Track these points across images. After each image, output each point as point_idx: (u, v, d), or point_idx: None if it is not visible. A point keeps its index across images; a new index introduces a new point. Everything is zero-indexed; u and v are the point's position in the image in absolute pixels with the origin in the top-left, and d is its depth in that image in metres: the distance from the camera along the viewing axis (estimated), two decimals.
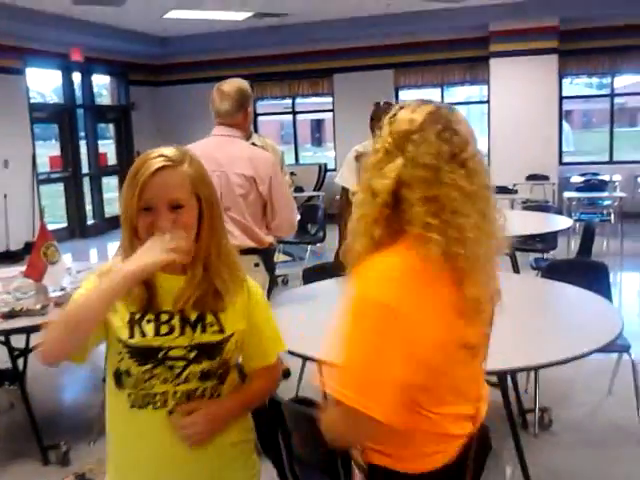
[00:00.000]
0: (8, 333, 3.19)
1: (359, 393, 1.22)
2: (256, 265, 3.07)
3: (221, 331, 1.50)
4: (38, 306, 3.15)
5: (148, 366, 1.46)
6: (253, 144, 3.67)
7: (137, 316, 1.46)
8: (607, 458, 3.15)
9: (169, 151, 1.51)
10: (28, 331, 3.40)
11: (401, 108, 1.38)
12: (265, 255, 3.14)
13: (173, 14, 9.37)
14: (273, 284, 4.03)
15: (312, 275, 3.61)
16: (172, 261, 1.39)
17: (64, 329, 1.37)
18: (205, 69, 11.92)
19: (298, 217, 3.46)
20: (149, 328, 1.46)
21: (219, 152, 3.04)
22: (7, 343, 3.37)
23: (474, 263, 1.29)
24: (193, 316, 1.49)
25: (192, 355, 1.47)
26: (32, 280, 3.32)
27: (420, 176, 1.29)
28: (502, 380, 2.76)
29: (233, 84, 3.16)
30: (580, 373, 3.90)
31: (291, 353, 2.45)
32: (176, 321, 1.48)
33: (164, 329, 1.47)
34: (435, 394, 1.33)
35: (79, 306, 1.39)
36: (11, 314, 3.09)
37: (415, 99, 1.40)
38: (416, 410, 1.32)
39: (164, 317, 1.48)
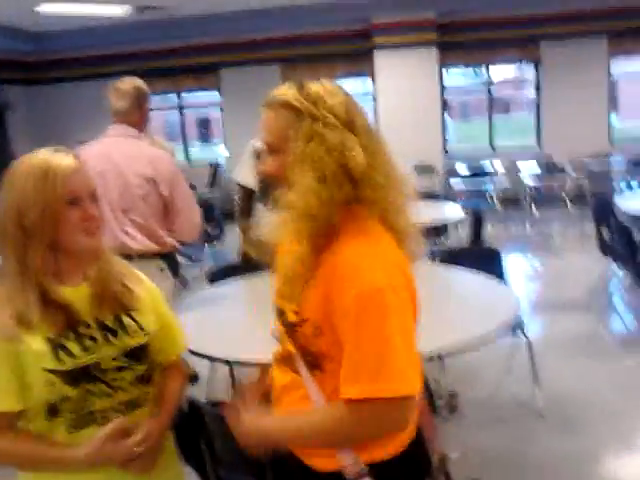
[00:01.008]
0: None
1: (402, 380, 1.24)
2: (162, 270, 2.97)
3: (142, 330, 1.48)
4: None
5: (85, 385, 1.39)
6: None
7: (58, 339, 1.38)
8: (513, 432, 3.33)
9: (63, 150, 1.48)
10: None
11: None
12: (169, 259, 3.04)
13: (45, 7, 8.86)
14: (182, 286, 3.93)
15: (218, 276, 3.54)
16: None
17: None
18: (86, 66, 11.41)
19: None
20: (74, 347, 1.38)
21: (116, 152, 2.92)
22: None
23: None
24: (109, 321, 1.44)
25: (122, 362, 1.44)
26: None
27: (369, 146, 1.43)
28: None
29: (129, 82, 3.04)
30: (480, 356, 4.06)
31: (205, 357, 2.39)
32: (95, 330, 1.42)
33: (87, 342, 1.40)
34: None
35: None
36: None
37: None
38: None
39: (83, 330, 1.41)
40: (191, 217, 2.98)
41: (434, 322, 2.57)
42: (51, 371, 1.35)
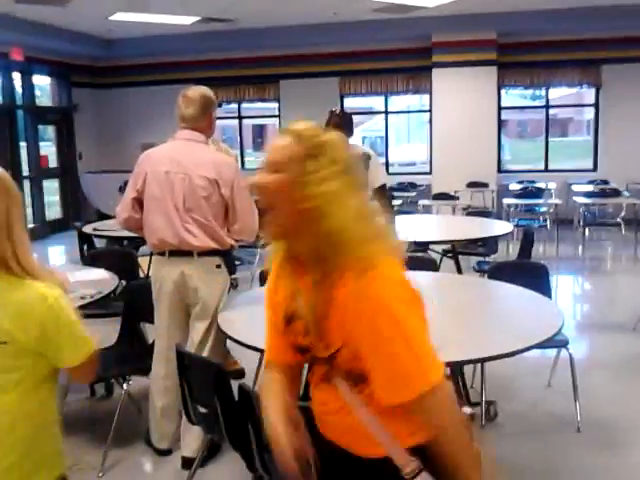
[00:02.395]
0: None
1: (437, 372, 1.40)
2: (218, 267, 3.15)
3: None
4: None
5: None
6: None
7: None
8: (549, 446, 3.36)
9: None
10: None
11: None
12: (227, 257, 3.22)
13: (119, 16, 9.30)
14: (233, 286, 4.09)
15: None
16: None
17: None
18: (150, 72, 11.87)
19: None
20: None
21: (183, 155, 3.11)
22: None
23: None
24: None
25: None
26: None
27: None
28: (454, 373, 2.92)
29: (198, 90, 3.23)
30: (521, 369, 4.13)
31: (254, 348, 2.53)
32: None
33: None
34: None
35: None
36: None
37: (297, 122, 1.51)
38: None
39: None
40: (249, 219, 3.14)
41: (476, 332, 2.68)
42: None
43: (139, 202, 3.20)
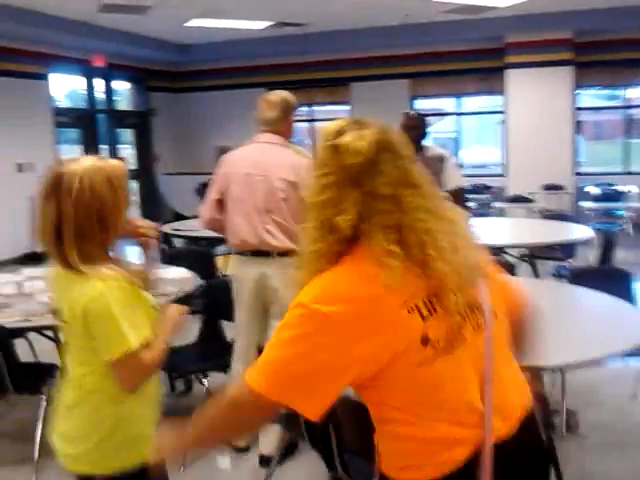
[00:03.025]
0: None
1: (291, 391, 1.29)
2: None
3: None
4: None
5: None
6: None
7: None
8: (632, 458, 3.25)
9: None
10: None
11: (339, 134, 1.34)
12: None
13: (195, 22, 9.54)
14: None
15: None
16: None
17: None
18: (224, 77, 12.11)
19: None
20: None
21: (263, 158, 3.18)
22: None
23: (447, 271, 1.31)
24: None
25: None
26: None
27: (381, 208, 1.30)
28: (535, 378, 2.86)
29: (279, 94, 3.30)
30: (605, 377, 4.00)
31: None
32: None
33: None
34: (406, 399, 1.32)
35: None
36: None
37: (345, 118, 1.41)
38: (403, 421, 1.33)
39: None
40: None
41: (557, 339, 2.61)
42: None
43: (221, 203, 3.29)
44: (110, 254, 1.83)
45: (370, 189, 1.30)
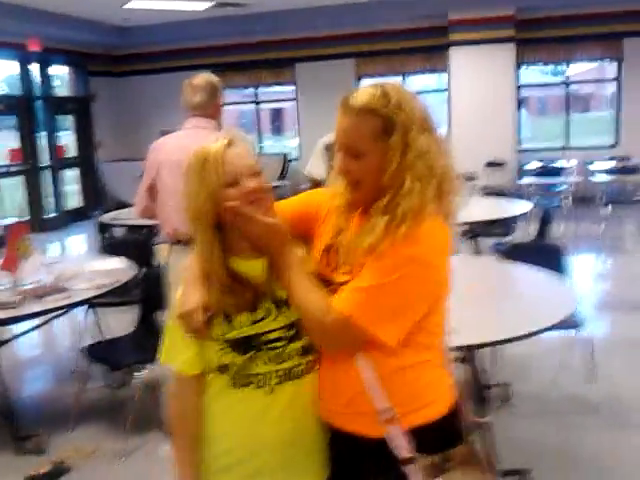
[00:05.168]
0: None
1: (379, 319, 1.40)
2: None
3: None
4: (13, 299, 3.19)
5: (250, 354, 1.48)
6: None
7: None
8: (564, 426, 3.36)
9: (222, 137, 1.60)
10: (2, 323, 3.43)
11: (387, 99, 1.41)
12: None
13: (134, 4, 9.31)
14: None
15: None
16: None
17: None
18: (166, 59, 11.89)
19: None
20: (245, 318, 1.48)
21: (194, 143, 3.09)
22: None
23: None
24: (284, 294, 1.50)
25: (291, 333, 1.50)
26: (6, 273, 3.36)
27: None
28: (470, 355, 2.92)
29: (202, 77, 3.25)
30: (537, 350, 4.10)
31: None
32: (270, 304, 1.50)
33: (260, 314, 1.50)
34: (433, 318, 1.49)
35: None
36: None
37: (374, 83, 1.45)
38: (420, 342, 1.47)
39: (259, 302, 1.50)
40: None
41: (489, 315, 2.67)
42: (217, 337, 1.48)
43: (154, 191, 3.23)
44: None
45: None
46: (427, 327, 1.46)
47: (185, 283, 1.52)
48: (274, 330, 1.49)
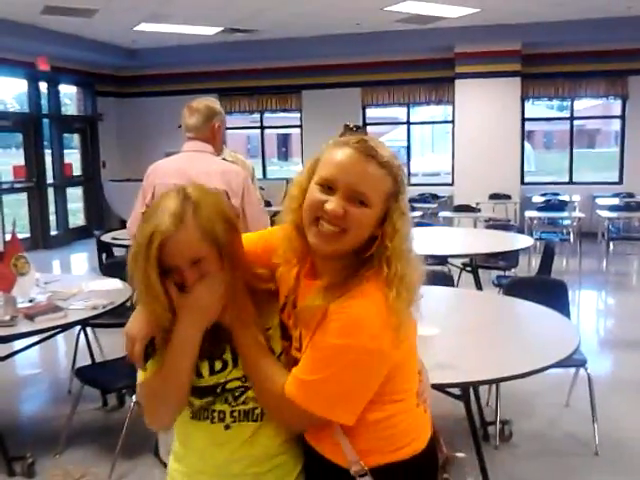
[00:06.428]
0: None
1: (331, 407, 1.36)
2: None
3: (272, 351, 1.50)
4: (7, 317, 3.14)
5: (208, 399, 1.47)
6: (224, 159, 3.72)
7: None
8: (565, 468, 3.27)
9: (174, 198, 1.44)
10: None
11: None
12: None
13: (143, 27, 9.40)
14: None
15: None
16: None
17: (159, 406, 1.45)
18: (173, 82, 11.97)
19: None
20: (204, 368, 1.46)
21: (191, 168, 3.09)
22: None
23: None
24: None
25: (249, 383, 1.47)
26: (0, 291, 3.31)
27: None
28: (465, 393, 2.86)
29: (201, 101, 3.26)
30: (539, 387, 4.03)
31: None
32: (228, 355, 1.47)
33: (218, 366, 1.46)
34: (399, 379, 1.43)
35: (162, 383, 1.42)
36: None
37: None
38: (387, 400, 1.41)
39: (217, 353, 1.47)
40: (260, 226, 3.12)
41: (489, 352, 2.62)
42: None
43: None
44: None
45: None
46: (391, 389, 1.41)
47: (137, 310, 1.46)
48: (233, 380, 1.46)
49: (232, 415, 1.48)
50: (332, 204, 1.34)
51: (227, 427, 1.48)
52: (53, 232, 10.93)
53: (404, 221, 1.38)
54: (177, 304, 1.40)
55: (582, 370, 3.54)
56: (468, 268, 5.68)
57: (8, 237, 3.53)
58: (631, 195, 9.96)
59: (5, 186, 9.86)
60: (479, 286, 5.37)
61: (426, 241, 4.89)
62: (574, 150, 11.32)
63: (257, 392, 1.43)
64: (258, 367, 1.42)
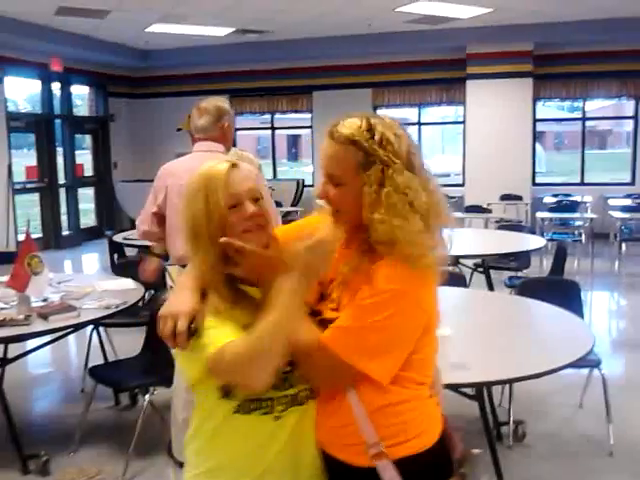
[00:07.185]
0: None
1: (369, 358, 1.39)
2: None
3: None
4: (21, 316, 3.16)
5: None
6: None
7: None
8: (579, 469, 3.25)
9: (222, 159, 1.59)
10: (8, 341, 3.40)
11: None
12: None
13: (156, 28, 9.44)
14: None
15: None
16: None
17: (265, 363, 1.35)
18: (185, 83, 12.00)
19: None
20: None
21: (200, 167, 3.10)
22: None
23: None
24: None
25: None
26: (15, 290, 3.33)
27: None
28: (479, 393, 2.85)
29: (210, 101, 3.26)
30: (553, 387, 4.01)
31: None
32: None
33: None
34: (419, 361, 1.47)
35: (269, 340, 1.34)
36: None
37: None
38: (407, 383, 1.45)
39: None
40: (273, 223, 3.12)
41: (503, 352, 2.61)
42: None
43: (159, 216, 3.20)
44: None
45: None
46: (416, 363, 1.45)
47: (176, 291, 1.49)
48: None
49: (283, 402, 1.45)
50: (317, 190, 1.49)
51: (278, 417, 1.45)
52: (65, 232, 10.99)
53: (373, 191, 1.39)
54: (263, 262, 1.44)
55: (596, 371, 3.53)
56: (480, 269, 5.67)
57: (22, 237, 3.56)
58: None
59: (18, 186, 9.92)
60: (491, 287, 5.36)
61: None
62: (586, 151, 11.27)
63: (293, 342, 1.37)
64: (297, 315, 1.39)
